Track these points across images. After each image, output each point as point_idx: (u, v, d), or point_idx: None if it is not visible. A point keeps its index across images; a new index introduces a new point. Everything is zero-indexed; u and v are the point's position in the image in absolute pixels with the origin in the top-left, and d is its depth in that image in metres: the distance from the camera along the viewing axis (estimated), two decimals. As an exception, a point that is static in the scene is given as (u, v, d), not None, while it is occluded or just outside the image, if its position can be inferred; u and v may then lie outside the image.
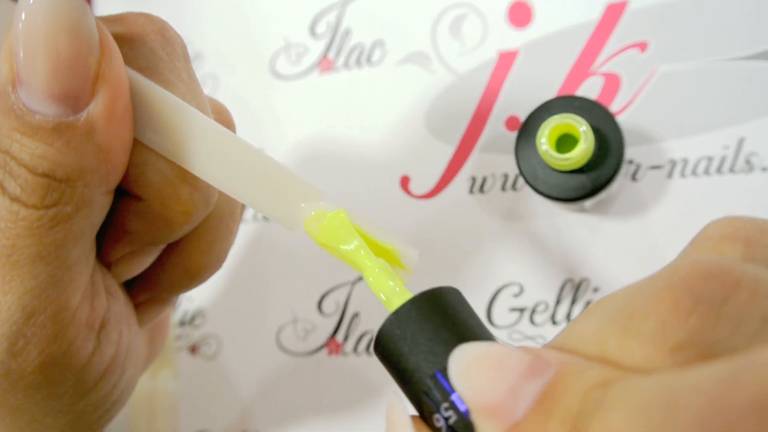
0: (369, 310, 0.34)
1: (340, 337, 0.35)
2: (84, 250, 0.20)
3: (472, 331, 0.17)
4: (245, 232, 0.37)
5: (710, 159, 0.30)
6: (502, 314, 0.32)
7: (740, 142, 0.29)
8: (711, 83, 0.30)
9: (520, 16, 0.33)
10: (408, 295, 0.18)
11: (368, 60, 0.35)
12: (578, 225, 0.31)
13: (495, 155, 0.33)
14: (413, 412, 0.17)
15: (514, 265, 0.32)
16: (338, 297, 0.35)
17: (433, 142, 0.34)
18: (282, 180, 0.21)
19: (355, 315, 0.35)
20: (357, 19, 0.36)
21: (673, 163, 0.30)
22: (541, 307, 0.32)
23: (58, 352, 0.20)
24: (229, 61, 0.39)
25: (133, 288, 0.24)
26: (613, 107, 0.31)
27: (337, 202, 0.21)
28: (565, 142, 0.27)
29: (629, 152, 0.31)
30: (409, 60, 0.35)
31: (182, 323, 0.38)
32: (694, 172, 0.30)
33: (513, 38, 0.33)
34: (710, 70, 0.30)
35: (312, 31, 0.37)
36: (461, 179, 0.33)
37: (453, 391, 0.16)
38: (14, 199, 0.18)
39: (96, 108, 0.18)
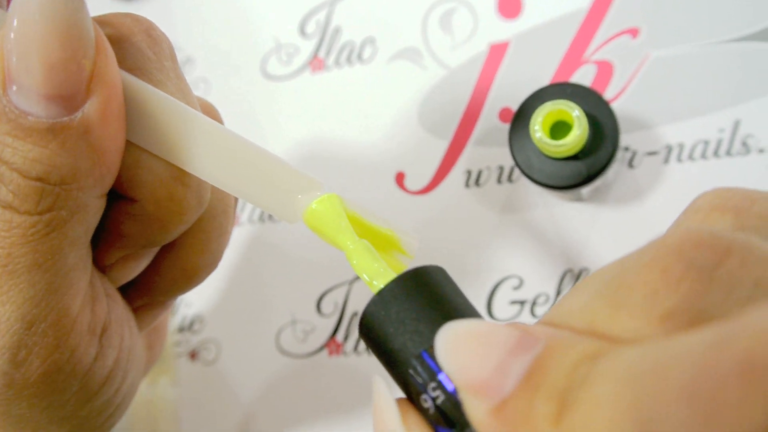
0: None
1: (340, 337, 0.35)
2: (81, 255, 0.19)
3: (458, 309, 0.17)
4: (241, 235, 0.37)
5: (706, 143, 0.29)
6: (502, 307, 0.32)
7: (736, 125, 0.29)
8: (704, 66, 0.30)
9: (509, 7, 0.33)
10: (392, 275, 0.18)
11: (359, 58, 0.35)
12: (576, 214, 0.31)
13: (489, 148, 0.32)
14: (400, 395, 0.17)
15: (513, 258, 0.32)
16: (337, 297, 0.35)
17: (427, 138, 0.34)
18: (279, 172, 0.20)
19: (355, 314, 0.34)
20: (346, 18, 0.36)
21: (669, 149, 0.30)
22: (541, 299, 0.31)
23: (61, 359, 0.19)
24: (220, 64, 0.38)
25: (129, 292, 0.24)
26: (607, 95, 0.31)
27: (336, 192, 0.21)
28: (559, 130, 0.27)
29: (625, 139, 0.30)
30: (400, 56, 0.35)
31: (181, 329, 0.38)
32: (690, 157, 0.30)
33: (503, 30, 0.33)
34: (703, 53, 0.30)
35: (302, 31, 0.36)
36: (456, 173, 0.33)
37: (440, 370, 0.16)
38: (6, 206, 0.17)
39: (91, 108, 0.17)
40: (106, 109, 0.18)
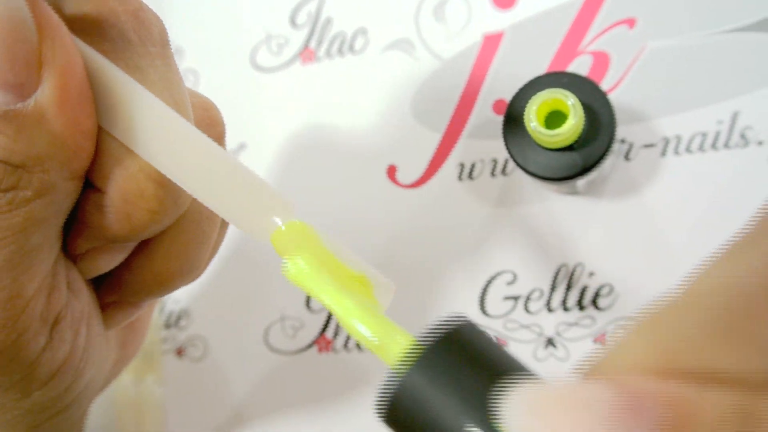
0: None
1: (329, 333, 0.34)
2: (47, 237, 0.19)
3: (508, 368, 0.13)
4: (229, 230, 0.36)
5: (704, 135, 0.29)
6: (495, 303, 0.31)
7: (734, 117, 0.28)
8: (702, 58, 0.29)
9: (504, -3, 0.32)
10: (410, 339, 0.14)
11: (351, 48, 0.35)
12: (571, 208, 0.30)
13: (483, 140, 0.32)
14: None
15: (507, 253, 0.31)
16: (327, 292, 0.34)
17: (419, 130, 0.33)
18: (251, 186, 0.19)
19: (345, 310, 0.33)
20: (338, 8, 0.35)
21: (667, 141, 0.29)
22: (535, 295, 0.31)
23: (6, 340, 0.18)
24: (209, 55, 0.38)
25: (101, 287, 0.23)
26: (603, 86, 0.30)
27: (309, 221, 0.20)
28: (555, 120, 0.26)
29: (621, 131, 0.30)
30: (392, 47, 0.34)
31: (168, 325, 0.37)
32: (688, 149, 0.29)
33: (498, 20, 0.32)
34: (701, 44, 0.29)
35: (292, 21, 0.36)
36: (449, 166, 0.32)
37: None
38: None
39: (44, 94, 0.17)
40: (63, 94, 0.17)
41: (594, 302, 0.30)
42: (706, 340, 0.11)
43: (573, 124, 0.25)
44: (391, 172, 0.33)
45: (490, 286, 0.31)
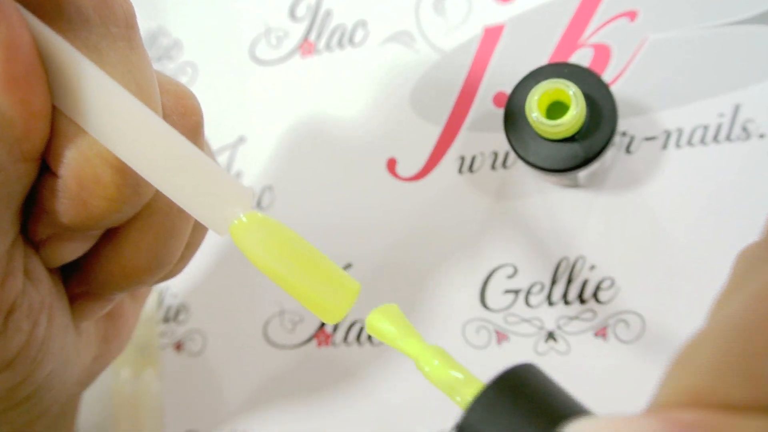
0: (359, 297, 0.33)
1: (329, 327, 0.34)
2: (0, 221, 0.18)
3: (569, 409, 0.14)
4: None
5: (706, 128, 0.29)
6: (496, 297, 0.31)
7: (736, 109, 0.28)
8: (703, 50, 0.29)
9: (505, -11, 0.32)
10: (478, 384, 0.15)
11: (350, 41, 0.34)
12: (572, 201, 0.30)
13: (483, 133, 0.32)
14: None
15: (507, 246, 0.31)
16: (326, 286, 0.34)
17: (419, 123, 0.33)
18: (210, 176, 0.18)
19: (344, 304, 0.33)
20: (337, 0, 0.35)
21: (668, 134, 0.29)
22: (536, 288, 0.30)
23: None
24: (208, 48, 0.37)
25: (69, 278, 0.22)
26: (605, 79, 0.30)
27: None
28: (556, 111, 0.26)
29: (622, 124, 0.30)
30: (392, 39, 0.34)
31: (166, 320, 0.37)
32: (689, 142, 0.29)
33: (498, 12, 0.32)
34: (702, 36, 0.29)
35: (292, 14, 0.36)
36: (449, 159, 0.32)
37: None
38: None
39: None
40: (7, 70, 0.16)
41: (595, 296, 0.30)
42: (722, 374, 0.12)
43: (575, 115, 0.25)
44: (391, 165, 0.33)
45: (490, 279, 0.31)
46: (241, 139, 0.36)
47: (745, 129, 0.28)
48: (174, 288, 0.37)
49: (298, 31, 0.35)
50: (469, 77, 0.32)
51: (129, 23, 0.18)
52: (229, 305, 0.35)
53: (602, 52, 0.30)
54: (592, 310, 0.30)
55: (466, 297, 0.31)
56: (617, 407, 0.28)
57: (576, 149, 0.26)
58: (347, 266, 0.33)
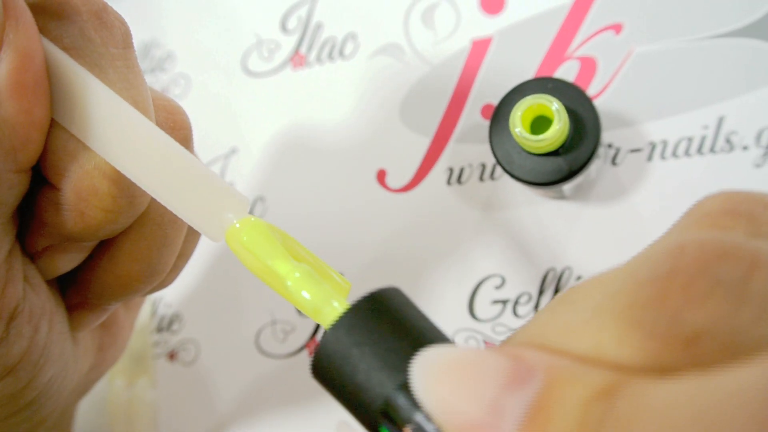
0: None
1: (320, 337, 0.34)
2: None
3: (427, 335, 0.15)
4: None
5: (690, 140, 0.29)
6: (484, 307, 0.31)
7: (720, 122, 0.29)
8: (688, 63, 0.29)
9: (492, 2, 0.32)
10: (344, 304, 0.16)
11: (341, 53, 0.35)
12: (559, 212, 0.30)
13: (471, 145, 0.32)
14: None
15: (495, 257, 0.31)
16: (317, 296, 0.34)
17: (408, 135, 0.33)
18: (205, 183, 0.19)
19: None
20: (328, 13, 0.35)
21: (653, 146, 0.29)
22: (524, 299, 0.31)
23: None
24: (201, 60, 0.38)
25: (65, 289, 0.23)
26: (591, 91, 0.30)
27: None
28: (540, 125, 0.26)
29: (608, 136, 0.30)
30: (382, 52, 0.34)
31: (160, 329, 0.37)
32: (674, 154, 0.29)
33: (486, 25, 0.32)
34: (687, 49, 0.29)
35: (283, 26, 0.36)
36: (438, 171, 0.32)
37: (417, 409, 0.13)
38: None
39: None
40: (18, 79, 0.17)
41: (581, 306, 0.30)
42: (595, 324, 0.12)
43: (558, 129, 0.25)
44: (381, 176, 0.33)
45: (478, 290, 0.31)
46: (233, 151, 0.36)
47: (728, 141, 0.28)
48: (168, 298, 0.37)
49: (289, 43, 0.36)
50: (457, 89, 0.32)
51: (126, 44, 0.19)
52: (222, 315, 0.36)
53: (588, 65, 0.30)
54: (579, 321, 0.30)
55: (455, 307, 0.32)
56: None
57: (560, 163, 0.26)
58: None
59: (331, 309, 0.16)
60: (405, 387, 0.14)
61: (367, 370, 0.14)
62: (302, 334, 0.34)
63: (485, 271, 0.31)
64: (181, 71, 0.38)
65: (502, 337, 0.31)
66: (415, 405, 0.13)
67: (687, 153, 0.29)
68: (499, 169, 0.31)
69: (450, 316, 0.32)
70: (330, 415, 0.34)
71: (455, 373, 0.12)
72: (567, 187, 0.28)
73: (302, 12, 0.36)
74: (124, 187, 0.19)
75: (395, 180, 0.33)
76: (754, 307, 0.11)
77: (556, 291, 0.30)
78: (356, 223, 0.34)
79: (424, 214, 0.33)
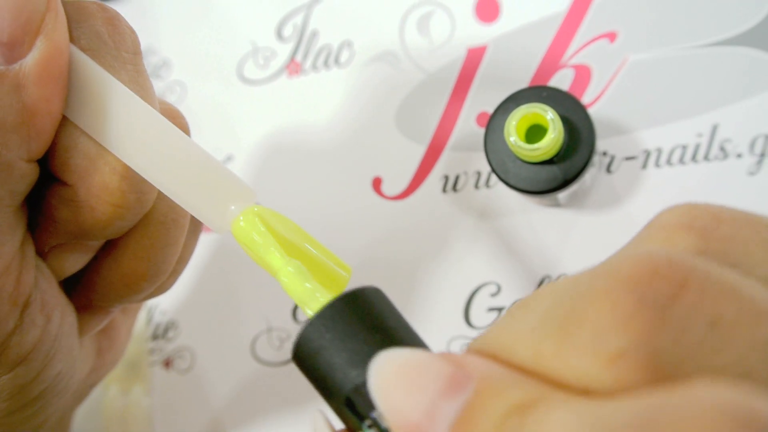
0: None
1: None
2: (5, 217, 0.19)
3: (395, 336, 0.16)
4: (215, 241, 0.36)
5: (684, 147, 0.29)
6: (479, 315, 0.31)
7: (714, 129, 0.29)
8: (682, 71, 0.29)
9: (487, 10, 0.32)
10: (326, 298, 0.17)
11: (336, 61, 0.35)
12: (554, 220, 0.30)
13: (467, 152, 0.32)
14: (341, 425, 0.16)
15: (491, 264, 0.31)
16: (313, 304, 0.34)
17: (404, 142, 0.33)
18: (213, 175, 0.20)
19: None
20: (324, 21, 0.35)
21: (648, 153, 0.29)
22: (519, 306, 0.31)
23: None
24: (196, 67, 0.38)
25: (69, 292, 0.23)
26: (585, 99, 0.30)
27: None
28: (535, 134, 0.27)
29: (603, 144, 0.30)
30: (377, 60, 0.34)
31: (155, 337, 0.37)
32: (668, 162, 0.29)
33: (481, 33, 0.32)
34: (681, 57, 0.29)
35: (279, 34, 0.36)
36: (434, 178, 0.32)
37: (373, 407, 0.15)
38: None
39: (30, 62, 0.17)
40: (46, 68, 0.17)
41: (577, 313, 0.30)
42: (538, 333, 0.13)
43: (552, 138, 0.25)
44: (377, 184, 0.33)
45: (474, 297, 0.31)
46: (229, 158, 0.36)
47: (722, 149, 0.29)
48: (163, 305, 0.37)
49: (285, 51, 0.36)
50: (452, 97, 0.32)
51: (136, 50, 0.20)
52: (218, 323, 0.36)
53: (583, 73, 0.31)
54: (574, 328, 0.30)
55: (451, 315, 0.32)
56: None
57: (555, 171, 0.26)
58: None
59: (315, 303, 0.17)
60: (365, 385, 0.15)
61: (336, 365, 0.15)
62: (298, 342, 0.34)
63: (481, 279, 0.31)
64: (176, 78, 0.38)
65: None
66: (372, 403, 0.14)
67: (681, 161, 0.29)
68: (494, 177, 0.31)
69: (446, 324, 0.32)
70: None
71: (402, 377, 0.13)
72: (562, 195, 0.28)
73: (298, 20, 0.36)
74: (133, 183, 0.20)
75: (391, 187, 0.33)
76: (674, 330, 0.12)
77: (552, 298, 0.30)
78: (352, 230, 0.34)
79: (419, 222, 0.33)
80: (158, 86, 0.38)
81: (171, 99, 0.38)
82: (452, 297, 0.32)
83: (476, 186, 0.32)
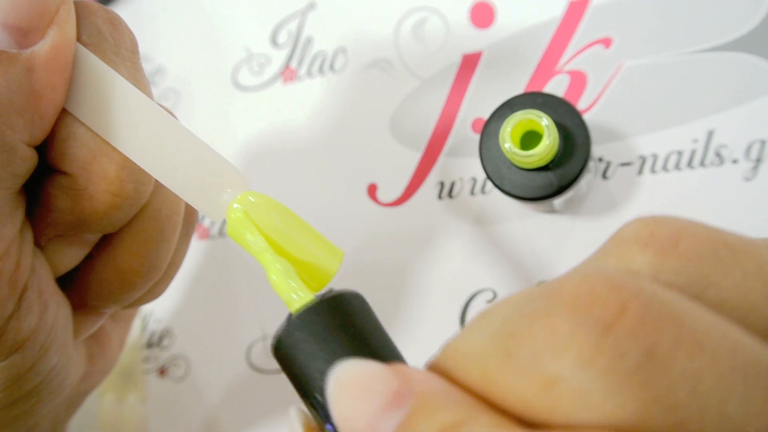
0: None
1: (311, 352, 0.34)
2: (6, 199, 0.19)
3: (366, 343, 0.16)
4: (210, 249, 0.36)
5: (680, 153, 0.29)
6: (476, 321, 0.31)
7: (709, 135, 0.29)
8: (677, 76, 0.29)
9: (482, 16, 0.32)
10: (307, 299, 0.17)
11: (331, 68, 0.35)
12: (550, 226, 0.30)
13: (462, 159, 0.32)
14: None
15: (487, 271, 0.31)
16: (308, 311, 0.34)
17: (399, 149, 0.33)
18: (208, 162, 0.20)
19: (326, 329, 0.34)
20: (318, 27, 0.35)
21: (643, 159, 0.29)
22: (515, 313, 0.31)
23: None
24: (191, 74, 0.38)
25: (66, 291, 0.23)
26: (581, 105, 0.30)
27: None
28: (530, 140, 0.26)
29: (598, 150, 0.30)
30: (372, 66, 0.34)
31: (150, 345, 0.37)
32: (664, 168, 0.29)
33: (476, 39, 0.32)
34: (676, 63, 0.29)
35: (273, 40, 0.36)
36: (429, 185, 0.32)
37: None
38: None
39: (42, 48, 0.18)
40: (55, 57, 0.18)
41: (573, 320, 0.30)
42: (488, 349, 0.13)
43: (547, 145, 0.25)
44: (372, 190, 0.33)
45: (470, 304, 0.31)
46: (224, 165, 0.36)
47: (718, 154, 0.28)
48: (158, 313, 0.37)
49: (279, 57, 0.36)
50: (447, 103, 0.32)
51: (134, 50, 0.21)
52: (213, 331, 0.36)
53: (578, 79, 0.31)
54: (571, 335, 0.30)
55: (447, 321, 0.32)
56: None
57: (550, 178, 0.26)
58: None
59: (295, 304, 0.17)
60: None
61: (307, 367, 0.16)
62: (293, 349, 0.34)
63: (477, 285, 0.31)
64: (171, 85, 0.38)
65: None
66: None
67: (677, 167, 0.29)
68: (490, 184, 0.31)
69: (442, 331, 0.32)
70: (322, 430, 0.33)
71: (353, 387, 0.13)
72: (558, 201, 0.28)
73: (292, 26, 0.36)
74: (131, 172, 0.20)
75: (386, 194, 0.33)
76: (606, 359, 0.11)
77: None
78: (348, 237, 0.33)
79: (415, 228, 0.32)
80: (153, 93, 0.38)
81: (165, 106, 0.38)
82: (448, 304, 0.32)
83: (472, 192, 0.32)
